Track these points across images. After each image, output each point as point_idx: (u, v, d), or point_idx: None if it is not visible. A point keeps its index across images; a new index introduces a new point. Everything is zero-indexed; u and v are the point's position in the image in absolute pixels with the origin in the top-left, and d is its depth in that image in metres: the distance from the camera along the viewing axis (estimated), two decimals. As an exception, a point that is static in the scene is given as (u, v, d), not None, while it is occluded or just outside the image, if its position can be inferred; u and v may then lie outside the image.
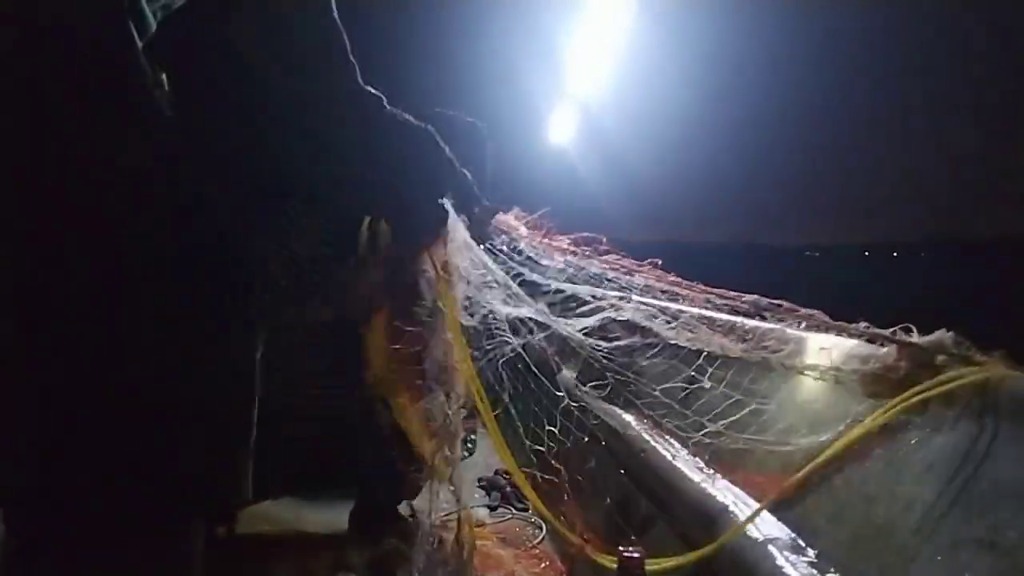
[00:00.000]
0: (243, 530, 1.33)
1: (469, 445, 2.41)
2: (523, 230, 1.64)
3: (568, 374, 1.97)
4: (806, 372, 1.35)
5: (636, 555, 1.18)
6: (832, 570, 0.98)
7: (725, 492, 1.28)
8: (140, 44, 0.74)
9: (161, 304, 0.73)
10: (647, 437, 1.60)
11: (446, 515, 1.97)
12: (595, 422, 1.74)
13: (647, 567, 1.19)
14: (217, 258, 0.80)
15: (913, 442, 1.08)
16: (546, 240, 1.69)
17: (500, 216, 1.61)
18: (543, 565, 1.70)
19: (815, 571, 0.98)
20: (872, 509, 1.06)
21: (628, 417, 1.67)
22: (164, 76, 0.82)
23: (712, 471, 1.38)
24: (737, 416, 1.39)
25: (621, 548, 1.21)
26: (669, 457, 1.48)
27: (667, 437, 1.56)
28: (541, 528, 1.97)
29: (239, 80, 0.84)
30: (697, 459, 1.45)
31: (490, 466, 2.38)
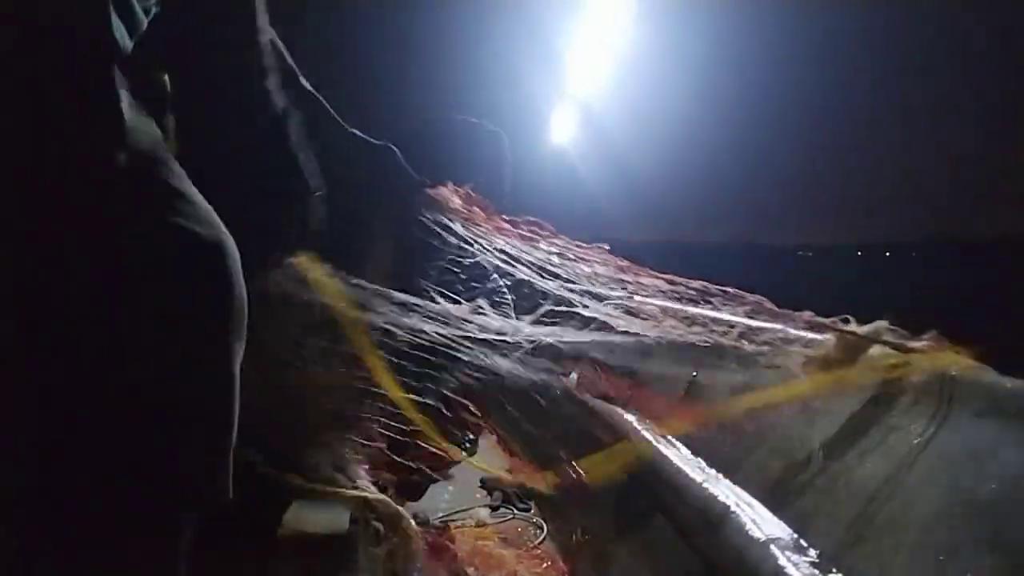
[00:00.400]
0: (243, 530, 1.32)
1: (467, 446, 2.41)
2: (456, 201, 1.57)
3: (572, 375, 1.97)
4: (753, 356, 1.39)
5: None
6: (834, 570, 0.98)
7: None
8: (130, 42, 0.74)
9: (161, 304, 0.72)
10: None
11: (445, 516, 1.98)
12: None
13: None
14: (217, 258, 0.79)
15: (908, 438, 1.08)
16: (485, 221, 1.60)
17: (432, 191, 1.54)
18: (545, 565, 1.70)
19: (817, 571, 0.98)
20: (862, 506, 1.06)
21: (629, 417, 1.67)
22: (164, 75, 0.82)
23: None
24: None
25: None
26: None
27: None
28: (542, 528, 1.97)
29: (229, 79, 0.85)
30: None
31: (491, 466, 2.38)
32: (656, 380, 1.71)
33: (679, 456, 1.44)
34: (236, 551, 1.23)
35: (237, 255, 0.79)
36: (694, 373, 1.57)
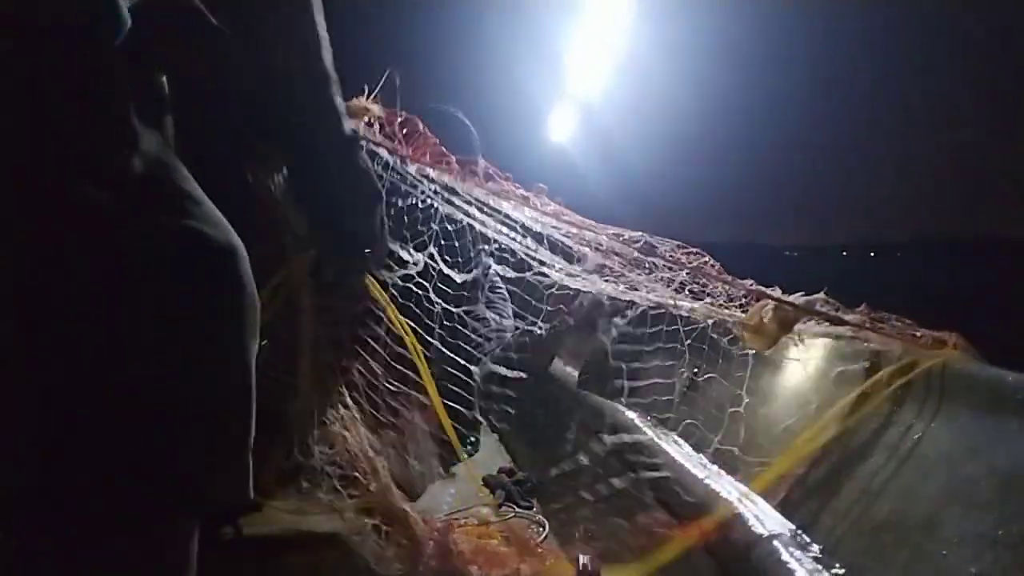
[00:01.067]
0: (245, 529, 1.32)
1: (469, 446, 2.41)
2: (375, 108, 1.42)
3: (563, 366, 1.97)
4: (696, 317, 1.40)
5: (591, 564, 1.32)
6: (837, 565, 0.98)
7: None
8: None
9: (180, 306, 0.72)
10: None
11: (447, 515, 1.98)
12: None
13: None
14: (229, 259, 0.79)
15: (910, 433, 1.09)
16: (408, 147, 1.44)
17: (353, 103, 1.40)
18: (548, 563, 1.70)
19: (819, 566, 0.98)
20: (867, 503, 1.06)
21: (631, 414, 1.67)
22: (162, 76, 0.82)
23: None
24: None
25: (579, 556, 1.34)
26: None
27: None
28: (544, 526, 1.97)
29: (225, 74, 0.85)
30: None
31: (494, 464, 2.38)
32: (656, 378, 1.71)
33: (682, 453, 1.44)
34: (237, 551, 1.23)
35: (246, 255, 0.80)
36: (695, 370, 1.57)
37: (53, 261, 0.66)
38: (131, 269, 0.69)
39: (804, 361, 1.32)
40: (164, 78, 0.81)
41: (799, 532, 1.06)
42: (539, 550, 1.73)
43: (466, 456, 2.37)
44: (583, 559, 1.39)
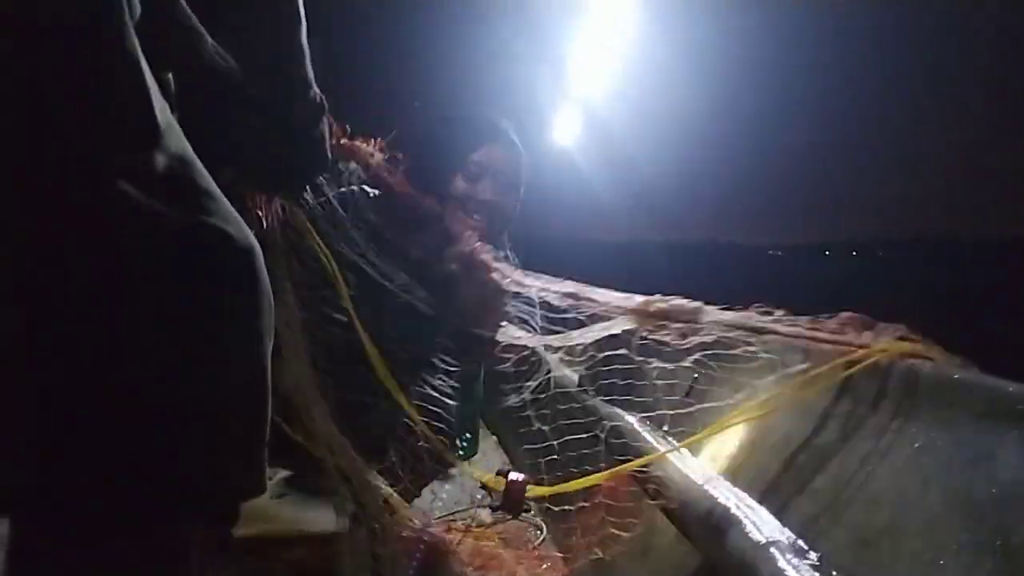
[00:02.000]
0: (244, 528, 1.32)
1: (464, 445, 2.41)
2: (379, 156, 1.48)
3: (568, 372, 1.97)
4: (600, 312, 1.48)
5: (519, 479, 1.53)
6: (835, 573, 0.98)
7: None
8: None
9: (161, 304, 0.72)
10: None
11: (444, 516, 1.98)
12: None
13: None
14: (249, 256, 0.80)
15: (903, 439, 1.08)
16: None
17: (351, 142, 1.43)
18: (545, 566, 1.70)
19: (817, 574, 0.98)
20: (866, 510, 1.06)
21: (631, 418, 1.67)
22: (168, 74, 0.82)
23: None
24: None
25: (507, 471, 1.51)
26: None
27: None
28: (542, 529, 1.97)
29: (228, 70, 0.85)
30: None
31: (491, 467, 2.38)
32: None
33: (680, 457, 1.44)
34: (236, 549, 1.23)
35: (262, 253, 0.80)
36: (695, 375, 1.57)
37: (66, 260, 0.66)
38: (151, 266, 0.69)
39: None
40: (170, 76, 0.82)
41: (797, 539, 1.06)
42: (536, 553, 1.73)
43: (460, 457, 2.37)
44: (513, 475, 1.58)
